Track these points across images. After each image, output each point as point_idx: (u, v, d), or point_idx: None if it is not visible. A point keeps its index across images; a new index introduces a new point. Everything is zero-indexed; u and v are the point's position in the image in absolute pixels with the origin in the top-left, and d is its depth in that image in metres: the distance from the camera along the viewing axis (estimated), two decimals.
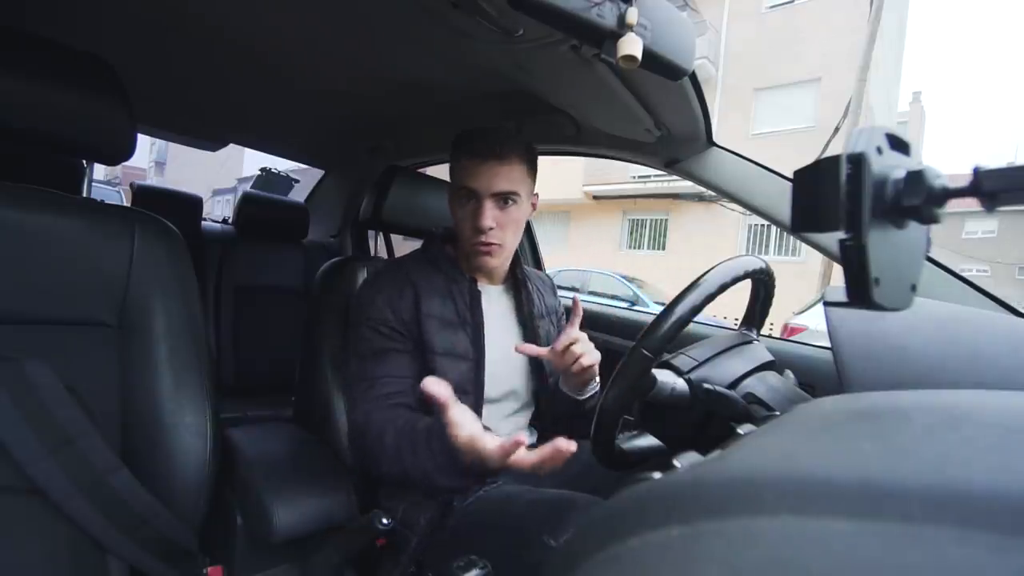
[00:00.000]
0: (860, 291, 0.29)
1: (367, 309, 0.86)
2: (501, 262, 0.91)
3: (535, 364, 0.97)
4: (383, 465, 0.76)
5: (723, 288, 0.66)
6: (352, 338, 0.88)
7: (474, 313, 0.89)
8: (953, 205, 0.30)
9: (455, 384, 0.84)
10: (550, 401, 0.97)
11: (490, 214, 0.85)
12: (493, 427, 0.91)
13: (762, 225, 10.22)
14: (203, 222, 1.93)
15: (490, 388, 0.88)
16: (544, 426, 1.00)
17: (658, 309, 0.91)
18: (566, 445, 0.64)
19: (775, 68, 10.29)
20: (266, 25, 0.92)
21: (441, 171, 1.21)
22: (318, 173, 2.10)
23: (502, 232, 0.87)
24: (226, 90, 1.27)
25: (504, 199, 0.86)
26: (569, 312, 1.00)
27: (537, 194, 0.94)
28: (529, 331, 0.96)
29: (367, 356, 0.84)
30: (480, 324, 0.88)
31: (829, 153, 0.28)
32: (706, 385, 0.66)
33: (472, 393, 0.86)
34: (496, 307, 0.96)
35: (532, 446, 0.97)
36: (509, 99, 1.07)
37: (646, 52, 0.59)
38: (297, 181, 2.78)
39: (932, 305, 0.63)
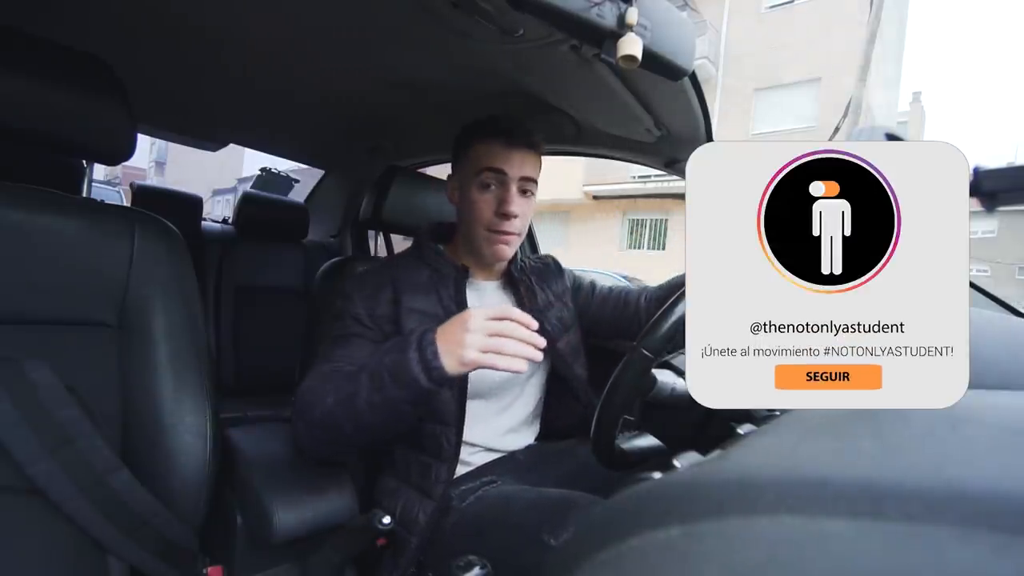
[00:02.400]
0: None
1: (343, 302, 0.86)
2: (514, 252, 0.91)
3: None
4: (321, 418, 0.70)
5: None
6: (326, 327, 0.87)
7: (458, 303, 0.87)
8: None
9: None
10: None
11: (516, 200, 0.85)
12: (486, 423, 0.91)
13: None
14: (203, 222, 1.93)
15: (481, 382, 0.88)
16: (556, 415, 1.00)
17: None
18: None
19: (775, 68, 10.29)
20: (266, 25, 0.92)
21: (441, 171, 1.21)
22: (318, 173, 2.09)
23: (522, 221, 0.87)
24: (226, 90, 1.27)
25: (525, 188, 0.87)
26: (586, 284, 1.05)
27: None
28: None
29: (330, 341, 0.84)
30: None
31: None
32: None
33: (456, 385, 0.84)
34: (491, 301, 0.95)
35: (532, 446, 0.98)
36: (509, 99, 1.07)
37: (646, 52, 0.59)
38: (297, 181, 2.78)
39: None
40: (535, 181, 0.88)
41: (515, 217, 0.85)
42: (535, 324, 0.65)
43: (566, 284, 1.06)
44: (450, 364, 0.64)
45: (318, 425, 0.71)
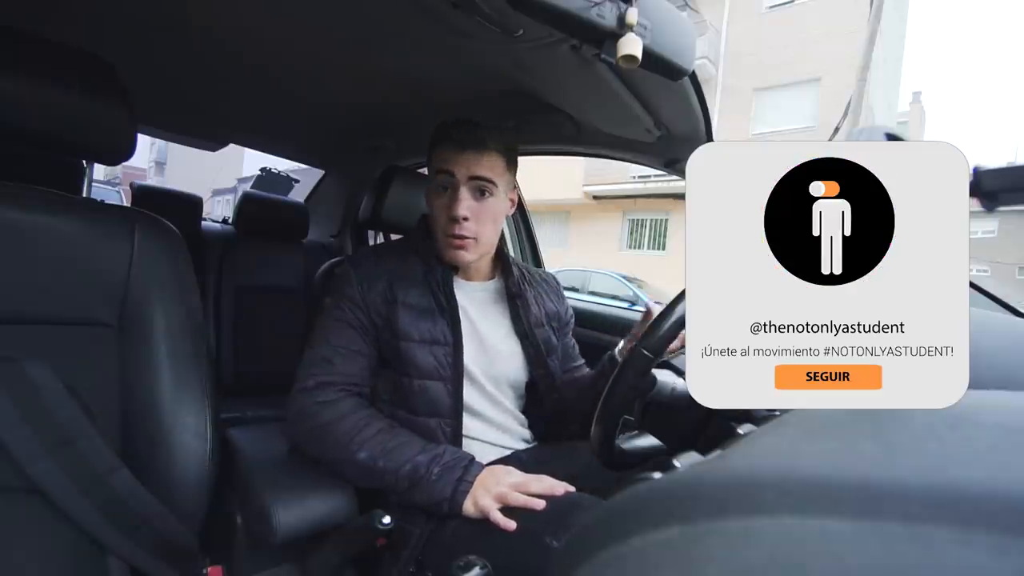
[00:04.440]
0: None
1: (342, 285, 0.87)
2: (476, 256, 0.89)
3: (531, 358, 0.95)
4: (344, 459, 0.78)
5: None
6: (321, 307, 0.89)
7: (449, 299, 0.88)
8: None
9: (432, 369, 0.84)
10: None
11: (465, 203, 0.83)
12: (482, 418, 0.91)
13: None
14: (203, 222, 1.93)
15: (478, 381, 0.88)
16: (537, 422, 1.00)
17: (658, 309, 0.91)
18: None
19: (775, 68, 10.29)
20: (266, 25, 0.92)
21: None
22: (318, 173, 2.10)
23: (476, 225, 0.85)
24: (226, 90, 1.27)
25: (481, 189, 0.85)
26: (571, 325, 1.06)
27: (518, 189, 0.94)
28: (526, 337, 0.95)
29: (330, 323, 0.86)
30: (455, 309, 0.88)
31: None
32: None
33: (451, 379, 0.85)
34: (480, 300, 0.95)
35: (534, 446, 0.98)
36: (509, 99, 1.07)
37: (646, 52, 0.59)
38: (297, 181, 2.77)
39: None
40: (492, 181, 0.85)
41: (465, 220, 0.83)
42: (560, 492, 0.72)
43: (560, 311, 1.05)
44: (468, 503, 0.73)
45: (332, 455, 0.79)
